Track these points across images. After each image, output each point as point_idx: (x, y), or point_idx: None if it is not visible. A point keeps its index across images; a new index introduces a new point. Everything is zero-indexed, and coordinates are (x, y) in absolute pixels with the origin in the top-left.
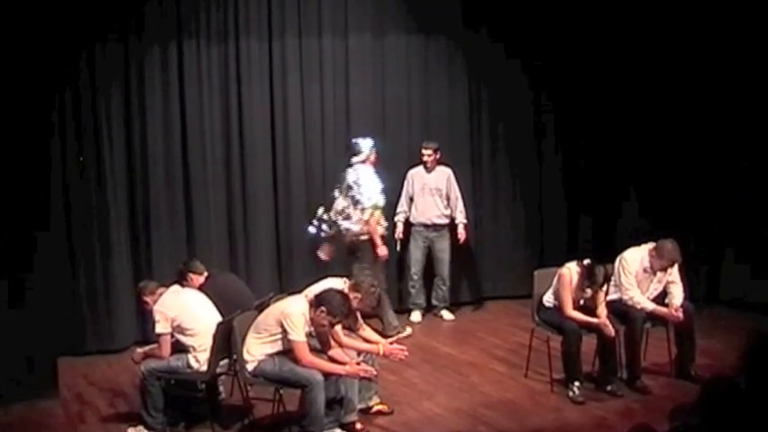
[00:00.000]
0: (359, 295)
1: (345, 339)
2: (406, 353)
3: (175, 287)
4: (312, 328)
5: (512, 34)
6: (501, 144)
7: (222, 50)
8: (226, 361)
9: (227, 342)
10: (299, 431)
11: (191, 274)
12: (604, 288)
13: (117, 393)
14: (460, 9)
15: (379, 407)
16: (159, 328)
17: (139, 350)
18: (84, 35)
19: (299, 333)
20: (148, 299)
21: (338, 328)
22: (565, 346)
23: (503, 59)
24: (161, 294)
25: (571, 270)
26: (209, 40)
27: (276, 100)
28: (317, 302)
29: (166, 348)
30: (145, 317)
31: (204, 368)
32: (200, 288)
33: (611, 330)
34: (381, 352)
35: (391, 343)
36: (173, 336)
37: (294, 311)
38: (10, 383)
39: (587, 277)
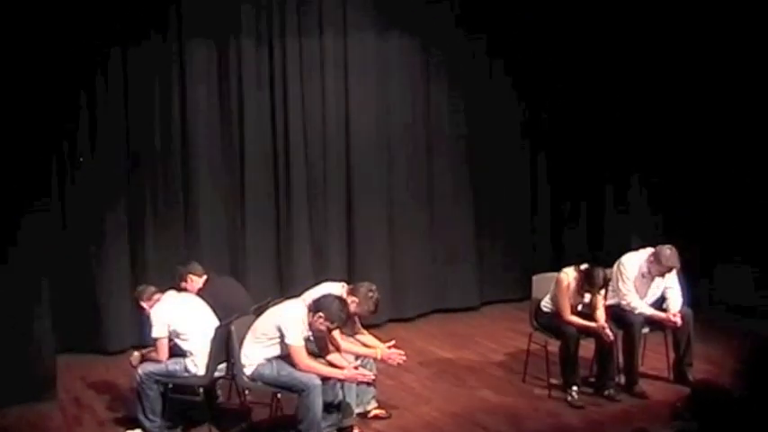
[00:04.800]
0: (356, 299)
1: (343, 344)
2: (403, 357)
3: (171, 292)
4: (310, 333)
5: (508, 38)
6: (497, 145)
7: (221, 51)
8: (224, 365)
9: (224, 346)
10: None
11: (190, 276)
12: (603, 292)
13: (115, 397)
14: (459, 12)
15: (377, 411)
16: (155, 333)
17: (137, 353)
18: (90, 37)
19: (296, 337)
20: (145, 304)
21: (336, 332)
22: (563, 350)
23: (499, 61)
24: (158, 300)
25: (568, 275)
26: (207, 39)
27: (276, 102)
28: (314, 308)
29: (164, 352)
30: (142, 321)
31: (202, 372)
32: (199, 291)
33: (609, 335)
34: (379, 356)
35: (389, 347)
36: (170, 339)
37: (292, 316)
38: (7, 386)
39: (586, 281)
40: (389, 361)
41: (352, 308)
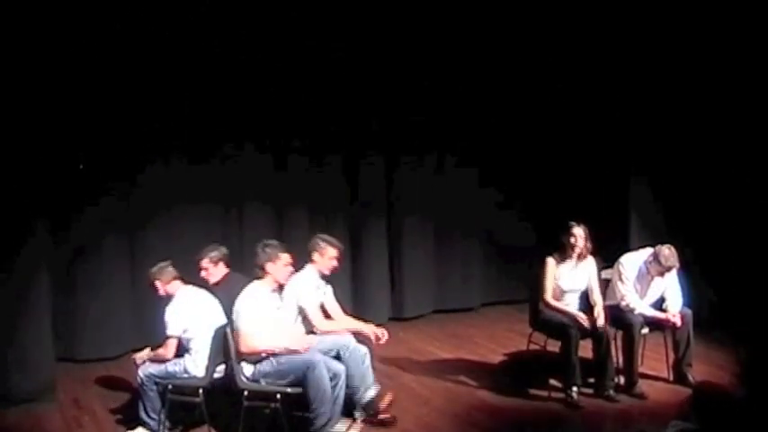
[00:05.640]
0: (317, 252)
1: (337, 322)
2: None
3: (190, 288)
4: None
5: (509, 37)
6: (496, 144)
7: None
8: (223, 366)
9: (224, 347)
10: (310, 415)
11: (222, 262)
12: (589, 246)
13: (114, 398)
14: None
15: (381, 415)
16: (171, 330)
17: (142, 354)
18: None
19: (247, 322)
20: (161, 284)
21: (318, 315)
22: (563, 351)
23: (500, 60)
24: (174, 288)
25: (550, 260)
26: None
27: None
28: (261, 268)
29: (172, 351)
30: (158, 310)
31: (201, 373)
32: (216, 284)
33: (583, 322)
34: (371, 333)
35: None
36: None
37: (244, 304)
38: (7, 388)
39: (564, 237)
40: (380, 339)
41: (324, 264)
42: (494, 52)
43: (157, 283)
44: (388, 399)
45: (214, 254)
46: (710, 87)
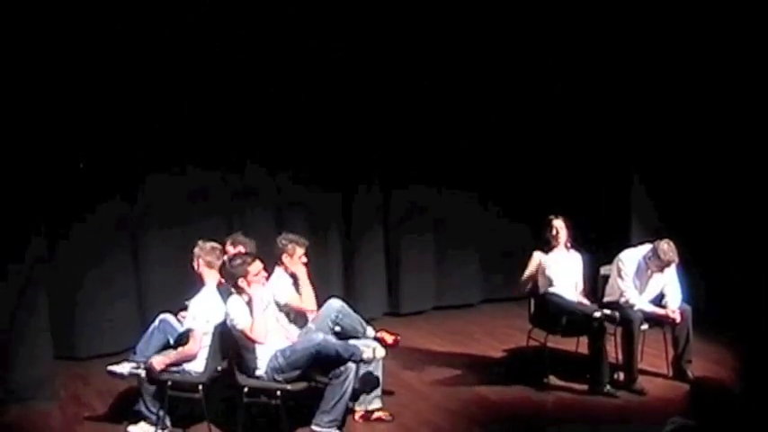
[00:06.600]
0: (285, 255)
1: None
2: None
3: (214, 287)
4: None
5: (510, 37)
6: (497, 142)
7: None
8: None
9: (222, 344)
10: (329, 382)
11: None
12: (563, 235)
13: (114, 396)
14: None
15: (380, 413)
16: (196, 323)
17: (164, 359)
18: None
19: (241, 319)
20: (201, 262)
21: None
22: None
23: (501, 60)
24: (208, 275)
25: (537, 253)
26: None
27: None
28: (233, 284)
29: (198, 344)
30: (144, 316)
31: (201, 370)
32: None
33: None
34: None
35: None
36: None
37: (230, 303)
38: (8, 385)
39: (549, 230)
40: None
41: (294, 264)
42: (493, 52)
43: (199, 260)
44: (381, 414)
45: (239, 240)
46: (710, 87)
